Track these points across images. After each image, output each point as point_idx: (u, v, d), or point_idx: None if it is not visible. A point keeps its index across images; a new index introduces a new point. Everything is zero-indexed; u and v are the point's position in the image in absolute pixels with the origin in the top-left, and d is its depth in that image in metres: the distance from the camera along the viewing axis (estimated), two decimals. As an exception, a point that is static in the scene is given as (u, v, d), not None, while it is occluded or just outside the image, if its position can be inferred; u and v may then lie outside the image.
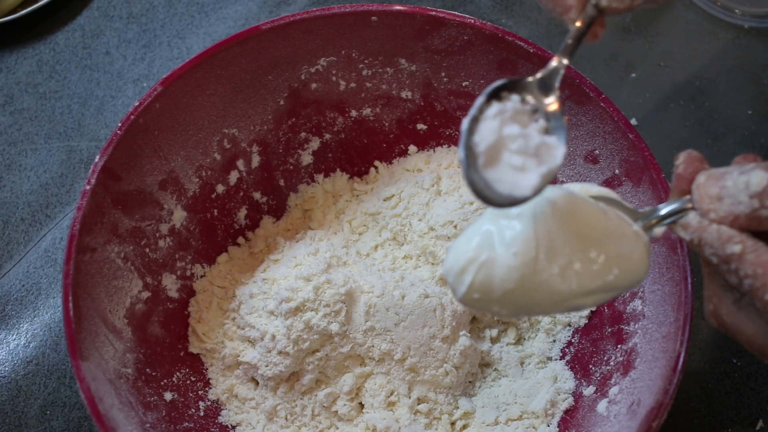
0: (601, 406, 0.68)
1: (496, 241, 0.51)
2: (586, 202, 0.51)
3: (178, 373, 0.72)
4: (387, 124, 0.82)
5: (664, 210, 0.52)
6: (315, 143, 0.82)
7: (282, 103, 0.78)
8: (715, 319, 0.52)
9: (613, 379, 0.69)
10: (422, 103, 0.80)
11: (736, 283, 0.48)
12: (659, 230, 0.52)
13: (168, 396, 0.70)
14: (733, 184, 0.48)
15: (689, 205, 0.50)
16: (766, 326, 0.49)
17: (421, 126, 0.82)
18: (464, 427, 0.73)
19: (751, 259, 0.47)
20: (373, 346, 0.71)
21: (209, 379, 0.74)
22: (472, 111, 0.48)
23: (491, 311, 0.53)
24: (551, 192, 0.51)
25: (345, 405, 0.72)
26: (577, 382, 0.73)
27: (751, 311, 0.50)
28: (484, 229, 0.53)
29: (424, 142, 0.83)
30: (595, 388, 0.71)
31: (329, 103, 0.80)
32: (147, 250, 0.72)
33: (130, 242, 0.70)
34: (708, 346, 0.80)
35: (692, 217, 0.50)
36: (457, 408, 0.73)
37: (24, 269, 0.84)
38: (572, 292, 0.50)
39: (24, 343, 0.80)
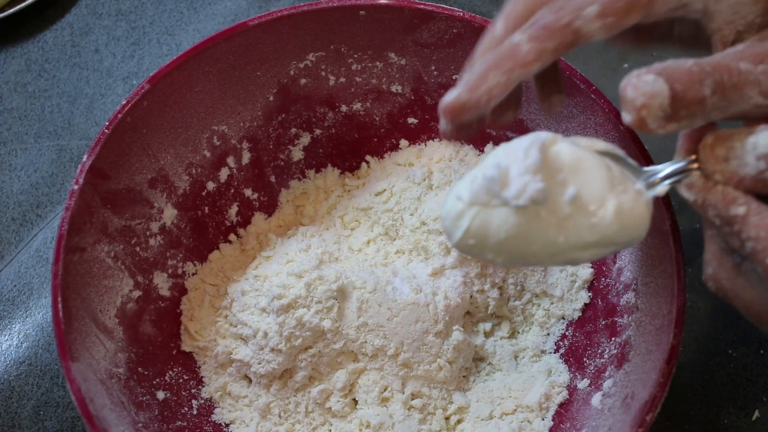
0: (596, 399, 0.68)
1: None
2: (590, 155, 0.51)
3: (170, 372, 0.72)
4: (377, 119, 0.82)
5: (669, 169, 0.51)
6: (305, 139, 0.81)
7: (271, 98, 0.78)
8: (713, 283, 0.51)
9: (608, 372, 0.69)
10: (413, 97, 0.80)
11: (738, 246, 0.47)
12: (662, 189, 0.51)
13: (160, 395, 0.69)
14: (741, 145, 0.46)
15: (694, 165, 0.49)
16: (766, 292, 0.48)
17: (411, 120, 0.81)
18: (459, 421, 0.72)
19: (755, 221, 0.46)
20: (365, 341, 0.71)
21: (202, 377, 0.74)
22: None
23: (486, 259, 0.52)
24: (556, 143, 0.50)
25: (338, 401, 0.72)
26: (572, 375, 0.73)
27: (751, 276, 0.49)
28: None
29: (416, 136, 0.82)
30: (589, 381, 0.70)
31: (319, 99, 0.79)
32: (137, 248, 0.72)
33: (120, 241, 0.70)
34: (703, 338, 0.79)
35: (697, 178, 0.49)
36: (452, 403, 0.73)
37: (15, 269, 0.83)
38: (569, 244, 0.49)
39: (16, 344, 0.79)
